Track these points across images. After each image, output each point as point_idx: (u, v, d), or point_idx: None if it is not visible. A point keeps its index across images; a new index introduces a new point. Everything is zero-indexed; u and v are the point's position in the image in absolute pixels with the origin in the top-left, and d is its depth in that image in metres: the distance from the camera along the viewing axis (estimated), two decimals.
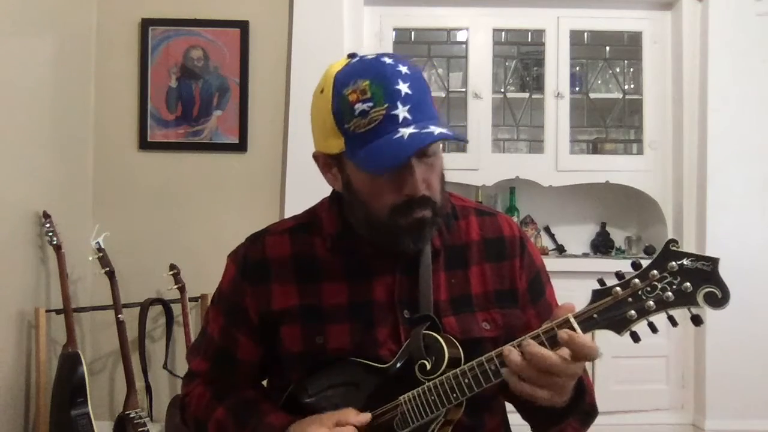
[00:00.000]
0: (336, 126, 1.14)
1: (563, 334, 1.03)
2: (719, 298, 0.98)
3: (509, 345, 1.07)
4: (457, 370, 1.11)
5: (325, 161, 1.23)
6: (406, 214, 1.16)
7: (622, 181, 3.46)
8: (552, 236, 3.71)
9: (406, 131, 1.09)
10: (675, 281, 1.00)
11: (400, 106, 1.10)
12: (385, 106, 1.10)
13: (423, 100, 1.14)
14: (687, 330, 3.28)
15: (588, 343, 1.02)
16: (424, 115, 1.13)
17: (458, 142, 3.43)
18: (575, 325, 1.04)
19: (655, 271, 1.00)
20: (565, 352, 1.03)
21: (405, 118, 1.10)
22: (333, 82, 1.14)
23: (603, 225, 3.68)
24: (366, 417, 1.15)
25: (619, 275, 1.04)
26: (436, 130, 1.10)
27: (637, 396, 3.28)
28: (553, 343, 1.04)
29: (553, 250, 3.67)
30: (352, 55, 1.20)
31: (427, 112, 1.14)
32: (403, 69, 1.13)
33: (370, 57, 1.17)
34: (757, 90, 3.29)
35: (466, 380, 1.10)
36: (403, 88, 1.11)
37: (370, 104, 1.10)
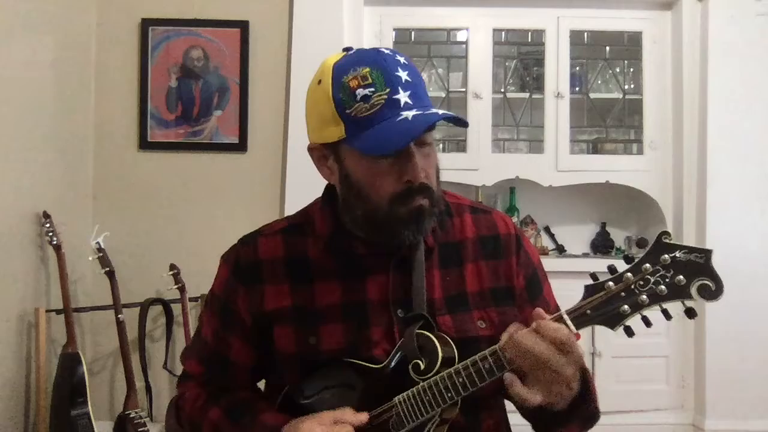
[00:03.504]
0: (336, 112, 1.14)
1: (534, 324, 1.03)
2: (713, 291, 0.97)
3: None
4: (452, 369, 1.11)
5: (321, 153, 1.22)
6: (405, 203, 1.16)
7: (622, 181, 3.45)
8: (552, 236, 3.70)
9: (409, 113, 1.11)
10: (668, 274, 0.99)
11: (401, 91, 1.12)
12: (387, 90, 1.11)
13: (421, 89, 1.16)
14: (687, 330, 3.28)
15: (551, 326, 1.02)
16: (423, 102, 1.15)
17: (458, 142, 3.46)
18: (568, 322, 1.03)
19: (647, 265, 1.00)
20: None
21: (406, 103, 1.12)
22: (332, 72, 1.15)
23: (603, 225, 3.67)
24: (363, 417, 1.15)
25: (611, 269, 1.03)
26: (439, 111, 1.13)
27: (637, 396, 3.27)
28: None
29: (553, 250, 3.67)
30: (347, 49, 1.21)
31: (426, 99, 1.16)
32: (401, 59, 1.16)
33: (367, 48, 1.20)
34: (757, 90, 3.29)
35: (461, 379, 1.09)
36: (403, 75, 1.13)
37: (372, 89, 1.11)
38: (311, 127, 1.22)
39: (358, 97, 1.11)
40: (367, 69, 1.12)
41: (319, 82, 1.17)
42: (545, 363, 1.02)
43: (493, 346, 1.07)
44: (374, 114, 1.11)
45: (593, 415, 1.21)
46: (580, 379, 1.09)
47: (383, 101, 1.11)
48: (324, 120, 1.16)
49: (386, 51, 1.16)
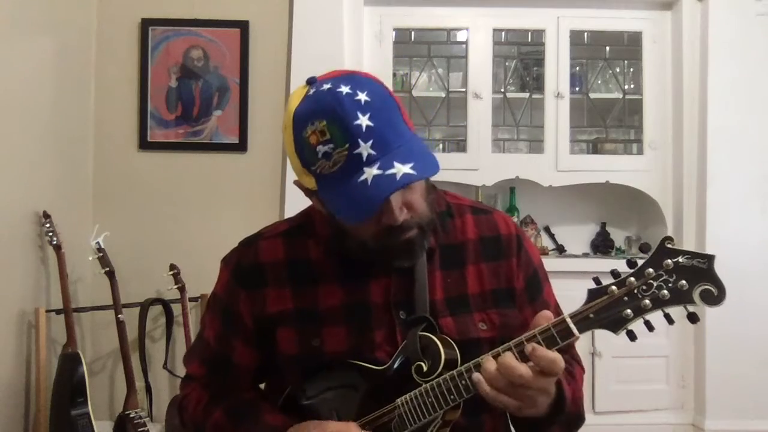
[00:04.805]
0: (303, 168, 1.13)
1: (528, 347, 1.03)
2: (715, 296, 0.97)
3: (489, 354, 1.08)
4: (454, 371, 1.11)
5: (306, 192, 1.21)
6: (391, 237, 1.15)
7: (622, 181, 3.46)
8: (552, 236, 3.70)
9: (370, 173, 1.06)
10: (671, 279, 0.99)
11: (361, 143, 1.06)
12: (346, 146, 1.06)
13: (387, 128, 1.09)
14: (687, 330, 3.28)
15: (549, 357, 1.02)
16: (390, 146, 1.09)
17: (458, 142, 3.46)
18: (571, 326, 1.03)
19: (650, 269, 1.00)
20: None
21: (369, 155, 1.07)
22: (292, 123, 1.12)
23: (603, 225, 3.67)
24: None
25: (614, 273, 1.03)
26: (401, 170, 1.06)
27: (637, 396, 3.28)
28: (549, 344, 1.04)
29: (553, 250, 3.67)
30: (310, 81, 1.15)
31: (393, 140, 1.09)
32: (362, 97, 1.09)
33: (326, 88, 1.11)
34: (757, 90, 3.29)
35: (463, 382, 1.09)
36: (364, 121, 1.07)
37: (331, 146, 1.07)
38: (292, 167, 1.18)
39: (320, 155, 1.08)
40: (324, 123, 1.07)
41: (286, 127, 1.14)
42: (529, 387, 1.04)
43: (496, 349, 1.08)
44: (338, 171, 1.08)
45: (575, 419, 1.22)
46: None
47: (344, 158, 1.07)
48: (297, 168, 1.15)
49: (345, 90, 1.09)
